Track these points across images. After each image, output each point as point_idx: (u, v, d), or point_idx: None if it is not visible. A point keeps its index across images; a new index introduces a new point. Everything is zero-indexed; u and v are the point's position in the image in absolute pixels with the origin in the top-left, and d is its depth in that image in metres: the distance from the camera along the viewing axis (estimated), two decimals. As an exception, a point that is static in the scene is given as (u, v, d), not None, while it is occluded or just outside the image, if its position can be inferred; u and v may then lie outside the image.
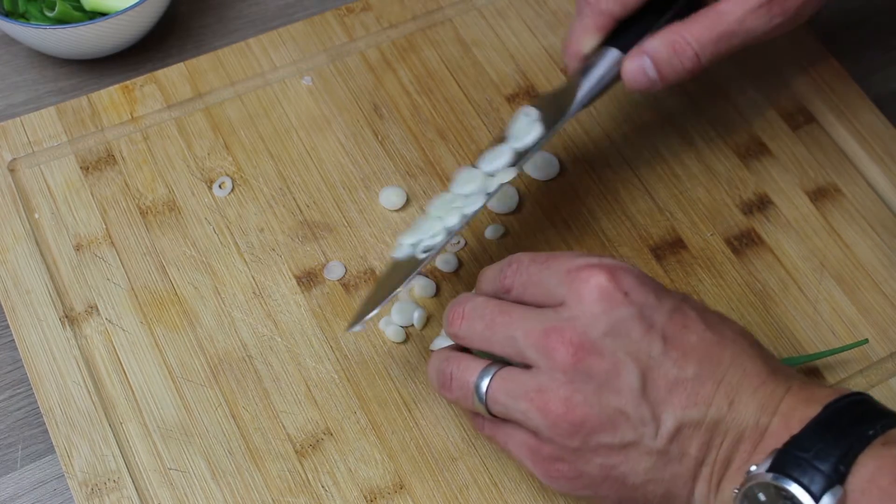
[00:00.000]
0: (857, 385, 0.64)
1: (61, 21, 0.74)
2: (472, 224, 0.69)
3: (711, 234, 0.70)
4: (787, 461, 0.48)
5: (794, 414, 0.50)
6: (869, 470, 0.47)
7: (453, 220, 0.60)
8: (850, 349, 0.64)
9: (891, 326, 0.66)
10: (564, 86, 0.64)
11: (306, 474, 0.60)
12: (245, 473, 0.60)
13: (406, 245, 0.61)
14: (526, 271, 0.55)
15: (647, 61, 0.61)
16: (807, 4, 0.60)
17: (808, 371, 0.64)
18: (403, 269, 0.60)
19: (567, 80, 0.64)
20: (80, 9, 0.75)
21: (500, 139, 0.63)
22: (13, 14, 0.76)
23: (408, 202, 0.70)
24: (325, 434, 0.61)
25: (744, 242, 0.69)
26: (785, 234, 0.70)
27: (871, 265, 0.69)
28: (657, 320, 0.52)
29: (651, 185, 0.71)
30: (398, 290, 0.58)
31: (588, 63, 0.63)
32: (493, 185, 0.61)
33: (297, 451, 0.61)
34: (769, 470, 0.48)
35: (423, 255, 0.60)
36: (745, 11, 0.59)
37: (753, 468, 0.49)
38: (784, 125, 0.74)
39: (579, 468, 0.52)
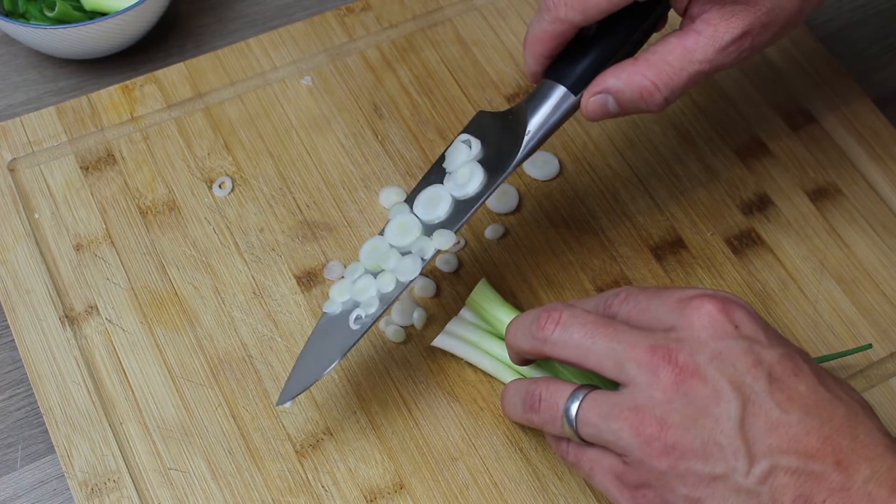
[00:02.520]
0: (857, 385, 0.64)
1: (61, 21, 0.74)
2: (472, 224, 0.69)
3: (711, 234, 0.70)
4: None
5: None
6: None
7: (388, 286, 0.58)
8: (853, 353, 0.64)
9: (891, 327, 0.66)
10: (509, 122, 0.61)
11: (306, 474, 0.60)
12: (245, 473, 0.60)
13: (338, 302, 0.59)
14: (634, 299, 0.54)
15: (610, 100, 0.58)
16: (777, 37, 0.58)
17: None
18: (336, 338, 0.58)
19: (512, 116, 0.61)
20: (80, 9, 0.75)
21: (439, 167, 0.61)
22: (13, 14, 0.76)
23: (408, 202, 0.70)
24: (325, 434, 0.61)
25: (744, 242, 0.69)
26: (785, 234, 0.70)
27: (871, 265, 0.69)
28: (766, 358, 0.50)
29: (651, 185, 0.71)
30: (333, 364, 0.57)
31: (534, 102, 0.59)
32: (429, 250, 0.58)
33: (297, 451, 0.61)
34: None
35: (356, 327, 0.58)
36: (715, 51, 0.56)
37: None
38: (784, 125, 0.74)
39: (664, 497, 0.50)
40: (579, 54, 0.59)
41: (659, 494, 0.51)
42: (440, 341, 0.63)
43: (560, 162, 0.72)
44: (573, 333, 0.53)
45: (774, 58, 0.77)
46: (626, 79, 0.57)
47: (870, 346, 0.65)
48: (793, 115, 0.75)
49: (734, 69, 0.76)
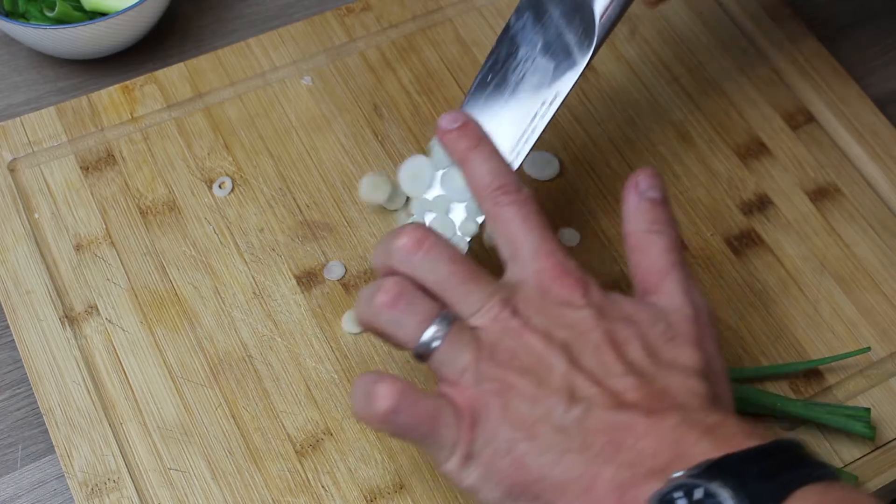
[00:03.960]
0: (857, 385, 0.64)
1: (61, 21, 0.74)
2: (472, 224, 0.69)
3: (711, 234, 0.70)
4: (724, 474, 0.44)
5: (732, 441, 0.46)
6: (809, 499, 0.44)
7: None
8: (852, 356, 0.64)
9: (891, 327, 0.66)
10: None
11: (306, 474, 0.60)
12: (245, 473, 0.60)
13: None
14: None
15: None
16: None
17: (809, 372, 0.64)
18: None
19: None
20: (80, 9, 0.75)
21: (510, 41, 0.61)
22: (13, 14, 0.76)
23: (407, 202, 0.70)
24: (325, 434, 0.61)
25: (744, 242, 0.69)
26: (785, 234, 0.70)
27: (871, 265, 0.69)
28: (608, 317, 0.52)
29: (651, 185, 0.71)
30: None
31: None
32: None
33: (297, 451, 0.61)
34: (697, 476, 0.44)
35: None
36: None
37: (678, 474, 0.45)
38: (784, 125, 0.74)
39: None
40: None
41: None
42: None
43: (560, 162, 0.72)
44: (440, 266, 0.53)
45: (774, 58, 0.77)
46: None
47: (868, 348, 0.65)
48: (793, 115, 0.75)
49: (734, 69, 0.76)
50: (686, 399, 0.49)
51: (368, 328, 0.54)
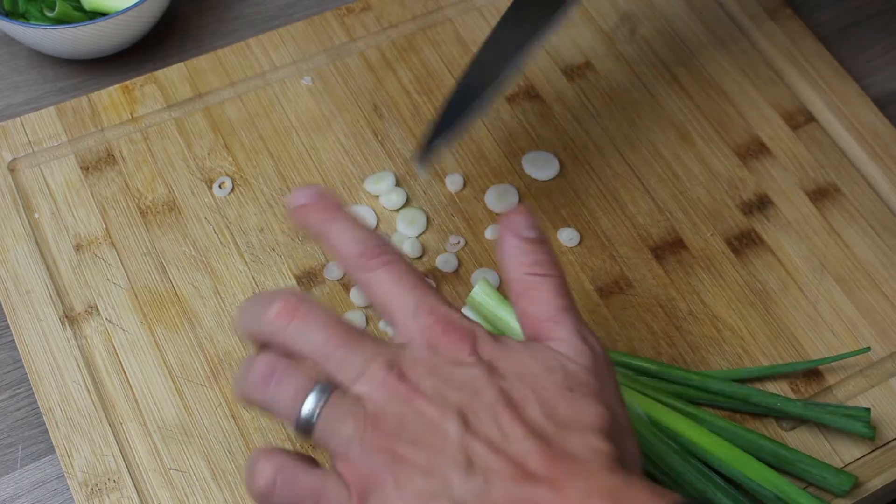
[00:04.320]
0: (857, 385, 0.64)
1: (61, 21, 0.74)
2: (471, 224, 0.69)
3: (711, 234, 0.70)
4: None
5: (637, 500, 0.44)
6: None
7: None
8: (852, 356, 0.64)
9: (891, 327, 0.66)
10: None
11: (306, 474, 0.60)
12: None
13: None
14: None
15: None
16: None
17: (809, 372, 0.64)
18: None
19: None
20: (80, 9, 0.75)
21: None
22: (13, 14, 0.76)
23: (407, 202, 0.70)
24: (325, 434, 0.61)
25: (744, 242, 0.69)
26: (785, 234, 0.70)
27: (871, 265, 0.69)
28: (503, 378, 0.48)
29: (651, 185, 0.71)
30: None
31: None
32: None
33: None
34: None
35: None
36: None
37: None
38: (784, 125, 0.74)
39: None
40: None
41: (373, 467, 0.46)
42: None
43: (560, 162, 0.72)
44: (315, 333, 0.49)
45: (774, 58, 0.77)
46: None
47: (868, 349, 0.65)
48: (793, 115, 0.75)
49: (734, 69, 0.76)
50: (589, 460, 0.45)
51: (251, 406, 0.51)
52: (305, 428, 0.47)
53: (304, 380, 0.48)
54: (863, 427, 0.61)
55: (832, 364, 0.64)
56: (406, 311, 0.49)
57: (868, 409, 0.61)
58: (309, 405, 0.47)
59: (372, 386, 0.47)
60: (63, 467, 0.60)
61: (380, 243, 0.51)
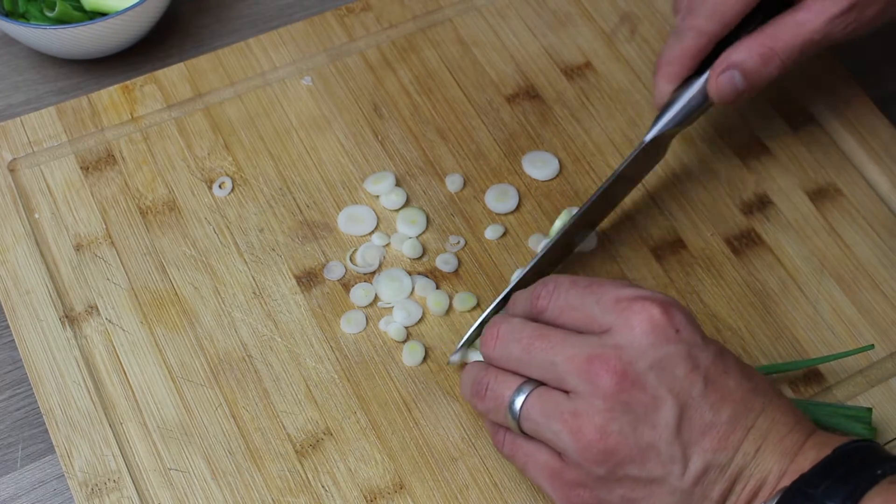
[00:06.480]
0: (857, 385, 0.64)
1: (61, 21, 0.74)
2: (471, 224, 0.69)
3: (711, 234, 0.70)
4: (796, 498, 0.48)
5: (808, 456, 0.51)
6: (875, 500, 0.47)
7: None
8: (854, 354, 0.64)
9: (891, 327, 0.66)
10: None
11: (306, 474, 0.60)
12: (245, 473, 0.60)
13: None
14: (565, 294, 0.55)
15: (736, 74, 0.61)
16: (883, 12, 0.61)
17: (809, 372, 0.64)
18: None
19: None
20: (80, 9, 0.75)
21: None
22: (13, 14, 0.76)
23: (407, 202, 0.70)
24: (325, 434, 0.61)
25: (744, 242, 0.69)
26: (785, 234, 0.70)
27: (871, 265, 0.69)
28: (702, 362, 0.52)
29: (651, 185, 0.71)
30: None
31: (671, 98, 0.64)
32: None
33: (297, 451, 0.61)
34: None
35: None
36: (823, 22, 0.60)
37: None
38: (784, 125, 0.74)
39: (600, 497, 0.52)
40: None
41: (595, 495, 0.52)
42: (455, 357, 0.63)
43: (560, 162, 0.72)
44: (511, 349, 0.54)
45: (774, 58, 0.77)
46: (746, 50, 0.61)
47: (872, 346, 0.65)
48: (793, 115, 0.75)
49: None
50: (781, 419, 0.53)
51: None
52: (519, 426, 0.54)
53: (507, 387, 0.55)
54: (863, 428, 0.61)
55: (832, 364, 0.64)
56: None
57: (870, 409, 0.61)
58: (517, 403, 0.54)
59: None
60: (63, 467, 0.60)
61: (546, 283, 0.56)
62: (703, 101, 0.64)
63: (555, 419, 0.52)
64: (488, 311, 0.61)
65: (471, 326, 0.62)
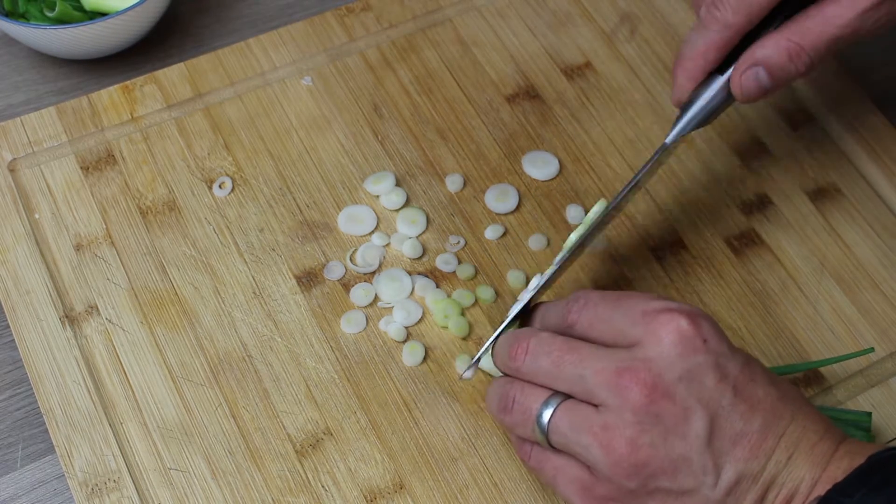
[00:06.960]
0: (857, 385, 0.64)
1: (61, 21, 0.74)
2: (471, 224, 0.69)
3: (711, 234, 0.70)
4: None
5: (841, 465, 0.50)
6: None
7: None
8: (854, 357, 0.64)
9: (891, 327, 0.66)
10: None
11: (306, 474, 0.60)
12: (245, 473, 0.60)
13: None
14: (594, 309, 0.54)
15: (761, 71, 0.59)
16: None
17: (809, 372, 0.64)
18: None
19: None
20: (80, 9, 0.75)
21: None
22: (13, 14, 0.76)
23: (407, 202, 0.70)
24: (325, 434, 0.61)
25: (744, 242, 0.69)
26: (785, 234, 0.70)
27: (871, 265, 0.69)
28: (730, 371, 0.52)
29: (651, 185, 0.71)
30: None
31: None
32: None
33: (297, 451, 0.61)
34: None
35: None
36: (853, 16, 0.58)
37: None
38: (784, 125, 0.75)
39: None
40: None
41: None
42: (467, 371, 0.61)
43: (560, 162, 0.72)
44: (541, 362, 0.54)
45: (774, 58, 0.77)
46: (772, 46, 0.58)
47: (871, 349, 0.65)
48: (793, 115, 0.75)
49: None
50: (811, 426, 0.53)
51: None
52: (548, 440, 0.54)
53: (534, 399, 0.54)
54: (863, 435, 0.61)
55: (833, 365, 0.64)
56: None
57: (869, 414, 0.61)
58: (545, 416, 0.54)
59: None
60: (63, 467, 0.60)
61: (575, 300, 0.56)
62: (725, 100, 0.61)
63: (584, 432, 0.52)
64: (504, 325, 0.60)
65: (485, 341, 0.61)
